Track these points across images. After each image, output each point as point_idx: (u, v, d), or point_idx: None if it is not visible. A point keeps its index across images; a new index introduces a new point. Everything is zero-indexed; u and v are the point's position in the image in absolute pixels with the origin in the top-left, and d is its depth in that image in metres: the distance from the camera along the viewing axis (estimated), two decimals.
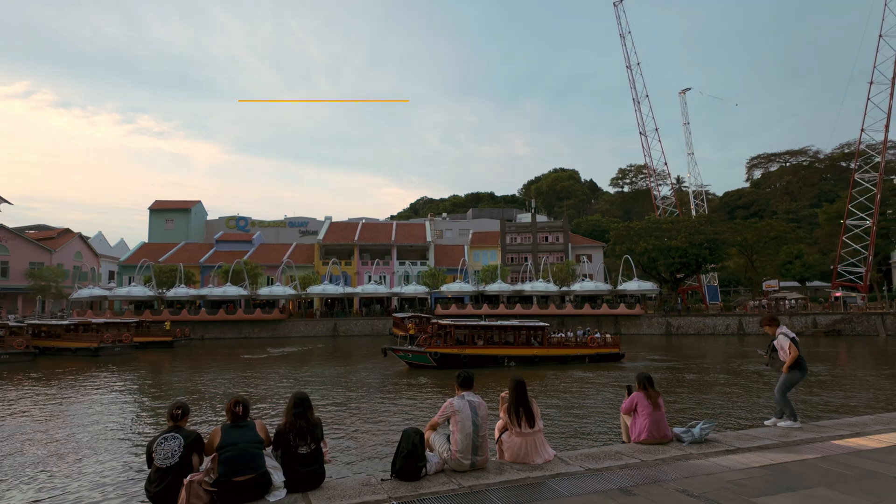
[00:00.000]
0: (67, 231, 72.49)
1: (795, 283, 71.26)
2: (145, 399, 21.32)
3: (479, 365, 28.85)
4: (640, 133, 74.42)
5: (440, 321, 31.68)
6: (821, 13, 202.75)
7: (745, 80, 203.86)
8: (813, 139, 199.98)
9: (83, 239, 72.78)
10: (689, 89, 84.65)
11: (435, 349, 29.25)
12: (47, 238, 68.93)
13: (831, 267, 64.31)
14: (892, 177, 74.78)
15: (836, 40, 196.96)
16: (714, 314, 56.83)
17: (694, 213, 76.89)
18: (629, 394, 7.25)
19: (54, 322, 40.56)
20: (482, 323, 31.47)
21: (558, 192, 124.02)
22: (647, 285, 57.23)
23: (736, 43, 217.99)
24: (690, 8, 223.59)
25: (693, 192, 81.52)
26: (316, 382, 24.94)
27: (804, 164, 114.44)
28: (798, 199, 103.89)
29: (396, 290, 61.94)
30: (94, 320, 40.90)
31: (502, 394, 6.32)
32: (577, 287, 57.94)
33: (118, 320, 42.37)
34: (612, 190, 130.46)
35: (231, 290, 56.47)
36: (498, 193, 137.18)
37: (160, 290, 57.11)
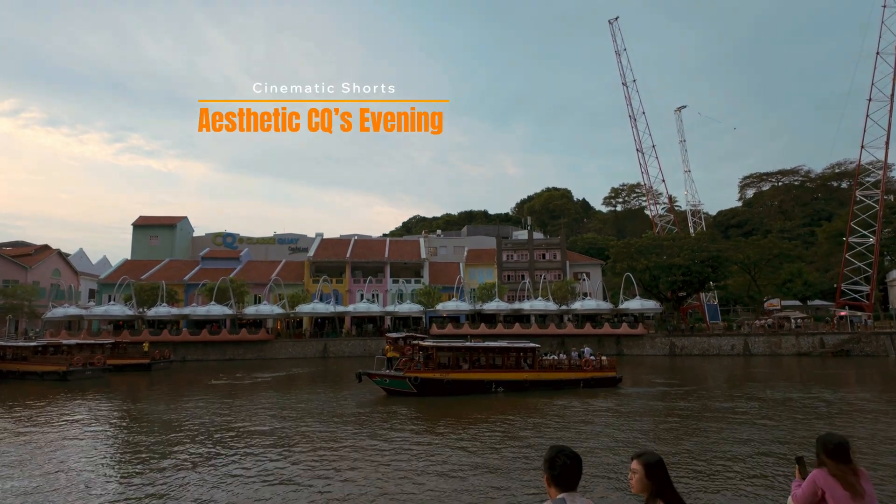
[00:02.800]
0: (45, 247, 69.41)
1: (797, 302, 69.97)
2: (116, 434, 18.78)
3: (464, 391, 26.48)
4: (637, 150, 73.32)
5: (421, 342, 29.32)
6: (797, 42, 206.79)
7: (727, 105, 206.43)
8: (796, 160, 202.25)
9: (62, 255, 69.63)
10: (685, 107, 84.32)
11: (415, 373, 26.59)
12: (24, 255, 65.70)
13: (834, 285, 63.00)
14: (890, 195, 74.20)
15: (809, 68, 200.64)
16: (719, 334, 55.02)
17: (692, 230, 75.65)
18: (801, 470, 4.50)
19: (20, 344, 37.59)
20: (467, 344, 28.85)
21: (551, 210, 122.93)
22: (650, 304, 55.48)
23: (714, 69, 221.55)
24: (673, 35, 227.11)
25: (691, 210, 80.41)
26: (270, 410, 22.50)
27: (796, 183, 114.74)
28: (792, 218, 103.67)
29: (390, 308, 59.60)
30: (64, 342, 37.97)
31: None
32: (578, 305, 56.00)
33: (92, 341, 39.65)
34: (604, 209, 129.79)
35: (215, 310, 53.74)
36: (491, 212, 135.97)
37: (140, 309, 54.25)
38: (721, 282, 63.09)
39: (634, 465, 3.37)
